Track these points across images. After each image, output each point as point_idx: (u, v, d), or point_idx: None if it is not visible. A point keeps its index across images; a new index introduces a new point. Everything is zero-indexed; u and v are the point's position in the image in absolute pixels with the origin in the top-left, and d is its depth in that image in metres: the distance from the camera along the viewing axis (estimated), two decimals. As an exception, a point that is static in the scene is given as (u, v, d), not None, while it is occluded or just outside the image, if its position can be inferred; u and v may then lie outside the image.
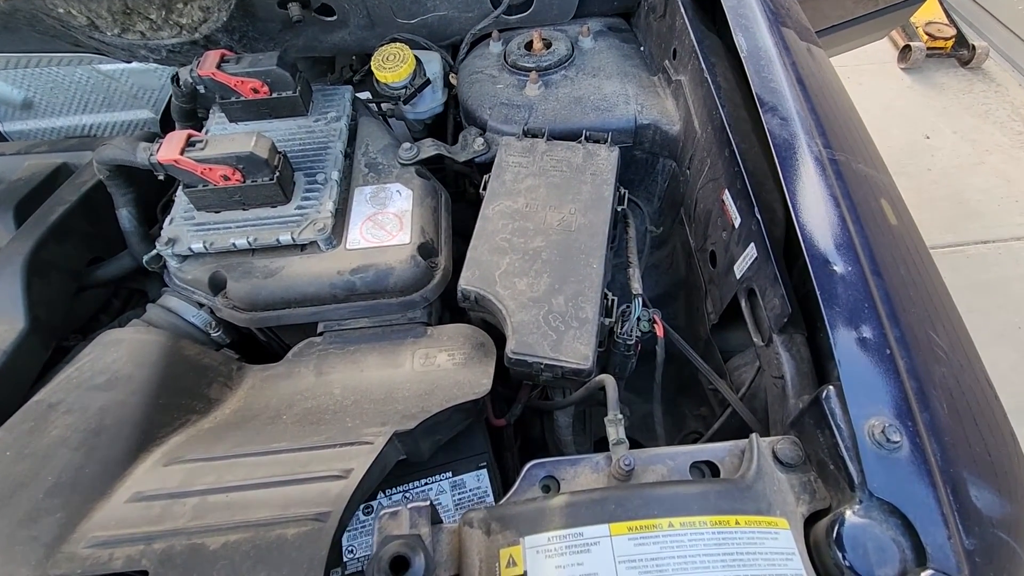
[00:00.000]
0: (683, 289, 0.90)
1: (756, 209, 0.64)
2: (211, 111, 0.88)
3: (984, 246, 2.43)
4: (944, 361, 0.55)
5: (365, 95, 1.02)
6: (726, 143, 0.71)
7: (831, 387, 0.51)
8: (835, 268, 0.56)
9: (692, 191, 0.83)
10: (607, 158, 0.79)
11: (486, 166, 0.86)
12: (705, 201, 0.79)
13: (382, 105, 1.05)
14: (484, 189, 0.79)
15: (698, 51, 0.78)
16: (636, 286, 0.72)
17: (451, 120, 1.07)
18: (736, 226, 0.69)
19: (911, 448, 0.47)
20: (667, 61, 0.89)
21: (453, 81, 1.00)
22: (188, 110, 0.88)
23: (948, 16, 3.35)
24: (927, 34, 3.27)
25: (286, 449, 0.54)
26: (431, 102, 1.01)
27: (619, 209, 0.77)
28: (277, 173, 0.71)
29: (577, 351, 0.63)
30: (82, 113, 1.26)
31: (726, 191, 0.71)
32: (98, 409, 0.55)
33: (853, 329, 0.53)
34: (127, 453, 0.54)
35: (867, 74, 3.26)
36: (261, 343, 0.82)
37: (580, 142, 0.81)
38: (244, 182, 0.71)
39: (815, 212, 0.60)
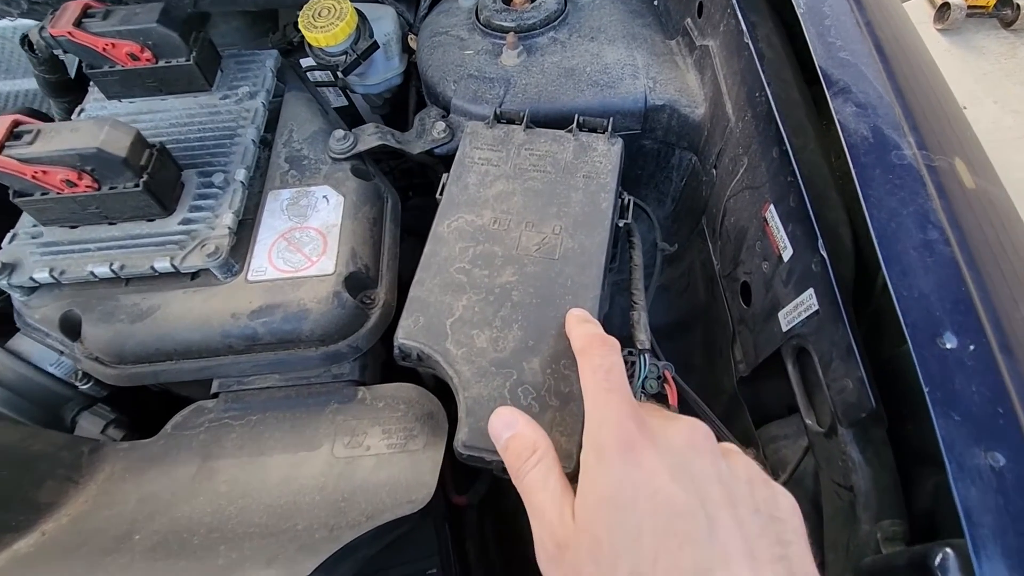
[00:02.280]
0: (702, 320, 0.71)
1: (821, 243, 0.44)
2: (90, 85, 0.67)
3: (1024, 231, 2.21)
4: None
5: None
6: (774, 140, 0.50)
7: (948, 551, 0.32)
8: (947, 345, 0.37)
9: (719, 198, 0.62)
10: (606, 154, 0.58)
11: (451, 158, 0.66)
12: (737, 214, 0.58)
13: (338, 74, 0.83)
14: (441, 194, 0.59)
15: (736, 6, 0.56)
16: (642, 337, 0.52)
17: (413, 94, 0.85)
18: (785, 258, 0.49)
19: None
20: (689, 20, 0.67)
21: (412, 44, 0.78)
22: (54, 82, 0.67)
23: (992, -29, 3.02)
24: (968, -9, 2.96)
25: (113, 615, 0.36)
26: (385, 71, 0.79)
27: (621, 224, 0.57)
28: (146, 176, 0.51)
29: (557, 445, 0.44)
30: (-25, 80, 1.04)
31: (771, 207, 0.51)
32: None
33: (982, 453, 0.34)
34: None
35: (900, 36, 2.97)
36: (153, 392, 0.63)
37: (571, 131, 0.60)
38: (99, 189, 0.51)
39: (913, 252, 0.40)
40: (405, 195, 0.94)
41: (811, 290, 0.45)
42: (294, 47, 0.96)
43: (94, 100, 0.66)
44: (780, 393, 0.56)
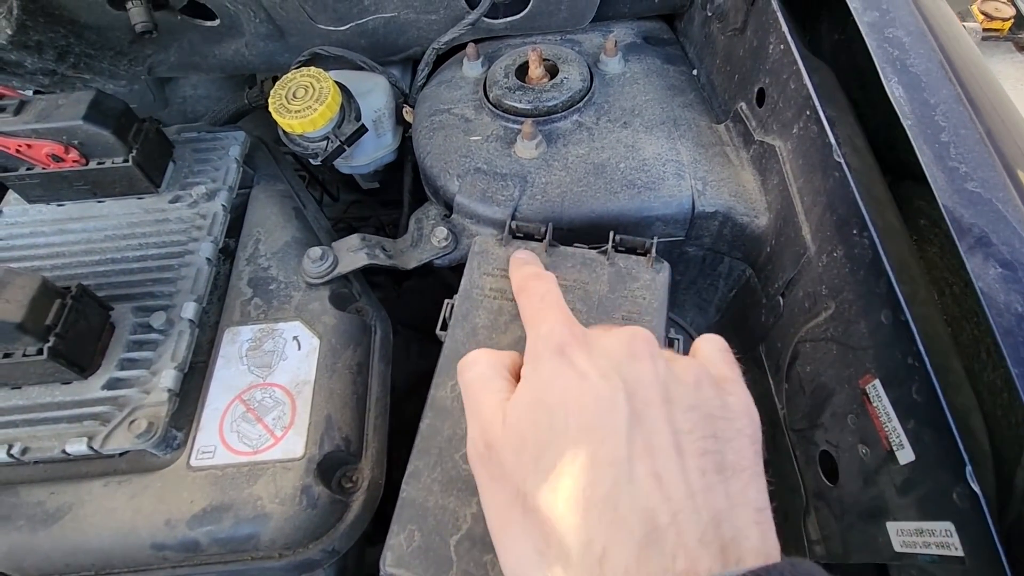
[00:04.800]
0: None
1: (970, 471, 0.32)
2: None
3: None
4: None
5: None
6: (883, 302, 0.38)
7: None
8: None
9: (785, 332, 0.50)
10: (650, 285, 0.46)
11: (460, 269, 0.54)
12: (816, 365, 0.46)
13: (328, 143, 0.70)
14: (442, 329, 0.47)
15: (819, 109, 0.44)
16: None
17: (409, 170, 0.73)
18: (900, 460, 0.37)
19: None
20: (743, 105, 0.55)
21: (408, 117, 0.66)
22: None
23: (1007, -7, 2.95)
24: (983, 14, 2.88)
25: None
26: (375, 150, 0.67)
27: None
28: (53, 338, 0.39)
29: None
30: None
31: (877, 383, 0.39)
32: None
33: None
34: None
35: (914, 61, 2.88)
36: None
37: (605, 251, 0.48)
38: (-10, 357, 0.39)
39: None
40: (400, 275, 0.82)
41: (950, 525, 0.33)
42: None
43: (14, 201, 0.54)
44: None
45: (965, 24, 2.85)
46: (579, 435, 0.28)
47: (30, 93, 0.71)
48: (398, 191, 0.83)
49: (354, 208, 1.03)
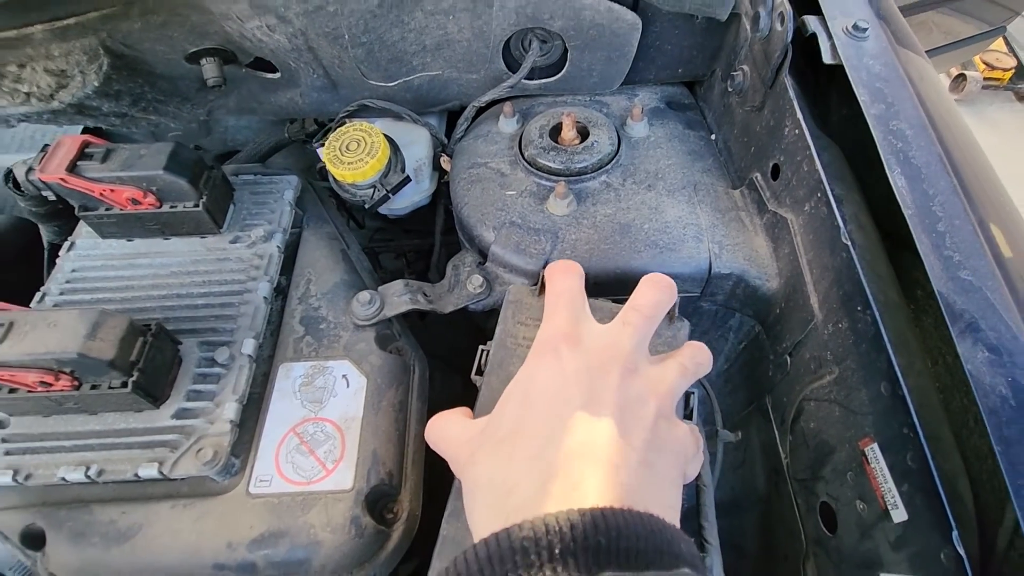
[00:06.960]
0: (759, 508, 0.63)
1: (956, 536, 0.36)
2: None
3: (1045, 318, 2.15)
4: None
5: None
6: (883, 374, 0.43)
7: None
8: None
9: (792, 389, 0.55)
10: (671, 341, 0.51)
11: (492, 312, 0.59)
12: (819, 423, 0.51)
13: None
14: (478, 374, 0.51)
15: (829, 194, 0.49)
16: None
17: (441, 214, 0.78)
18: (894, 518, 0.41)
19: None
20: (759, 175, 0.60)
21: (445, 166, 0.71)
22: (43, 213, 0.59)
23: (1008, 45, 3.04)
24: (984, 63, 2.97)
25: None
26: (413, 194, 0.72)
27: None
28: (136, 373, 0.43)
29: None
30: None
31: (875, 447, 0.43)
32: None
33: None
34: None
35: (916, 106, 2.96)
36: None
37: (629, 309, 0.52)
38: (78, 388, 0.43)
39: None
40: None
41: (940, 587, 0.37)
42: (311, 136, 0.89)
43: (86, 234, 0.58)
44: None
45: (966, 72, 2.93)
46: (544, 412, 0.34)
47: (78, 129, 0.76)
48: (420, 221, 0.89)
49: (379, 235, 1.08)
